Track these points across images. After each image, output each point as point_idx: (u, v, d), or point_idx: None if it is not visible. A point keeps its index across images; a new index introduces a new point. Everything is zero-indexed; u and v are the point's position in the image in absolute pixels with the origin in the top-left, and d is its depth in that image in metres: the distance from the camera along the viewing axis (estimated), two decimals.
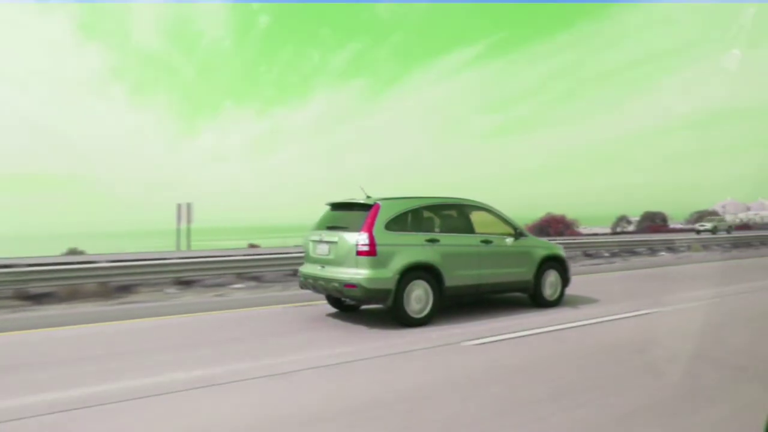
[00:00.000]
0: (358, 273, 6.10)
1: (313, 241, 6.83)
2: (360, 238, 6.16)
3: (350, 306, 7.36)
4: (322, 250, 6.63)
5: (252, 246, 28.02)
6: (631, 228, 50.15)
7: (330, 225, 6.72)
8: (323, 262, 6.59)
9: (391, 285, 6.11)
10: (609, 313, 6.97)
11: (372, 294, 6.09)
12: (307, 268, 6.90)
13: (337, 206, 7.01)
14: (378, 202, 6.46)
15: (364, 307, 7.43)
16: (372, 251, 6.11)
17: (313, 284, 6.69)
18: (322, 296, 7.51)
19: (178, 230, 20.31)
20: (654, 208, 56.34)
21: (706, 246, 22.16)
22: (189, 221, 19.92)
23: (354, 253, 6.18)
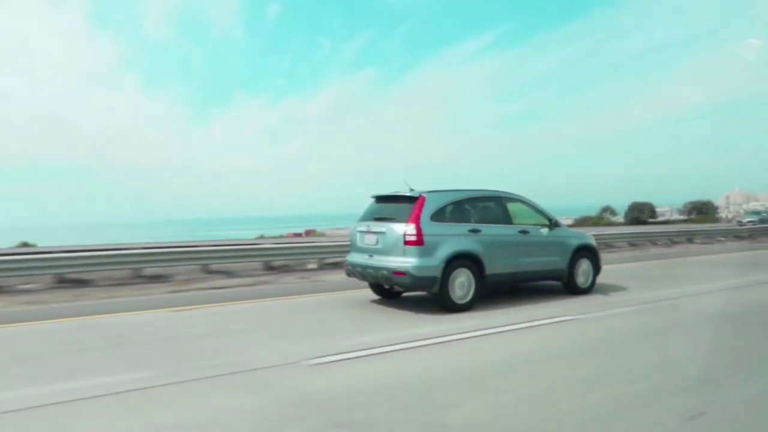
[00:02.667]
0: (407, 261, 6.47)
1: (361, 231, 7.19)
2: (408, 229, 6.52)
3: (392, 293, 7.74)
4: (370, 240, 6.99)
5: (25, 245, 26.94)
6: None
7: (377, 216, 7.08)
8: (371, 252, 6.95)
9: (437, 272, 6.47)
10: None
11: (419, 281, 6.46)
12: (355, 257, 7.26)
13: (382, 199, 7.35)
14: (423, 194, 6.81)
15: (405, 294, 7.81)
16: (419, 241, 6.47)
17: (362, 272, 7.06)
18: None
19: None
20: (664, 198, 55.85)
21: None
22: None
23: (402, 242, 6.54)
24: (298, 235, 46.54)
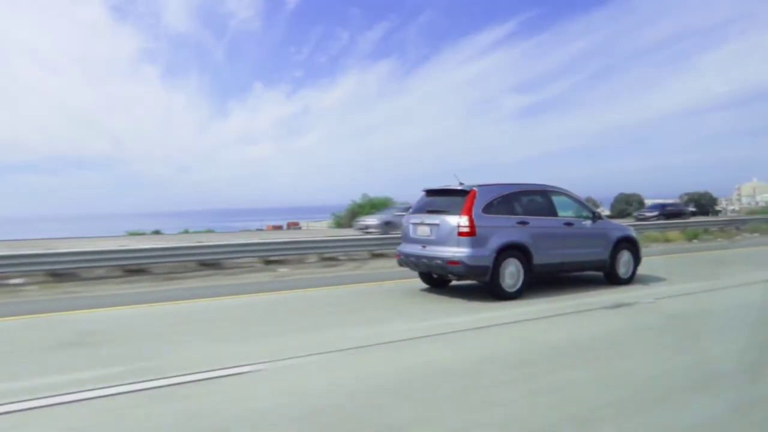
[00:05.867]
0: (460, 251, 6.82)
1: (414, 223, 7.56)
2: (461, 221, 6.87)
3: (441, 282, 8.10)
4: (424, 231, 7.35)
5: None
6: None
7: (430, 209, 7.43)
8: (425, 243, 7.31)
9: (489, 262, 6.82)
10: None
11: (472, 270, 6.81)
12: (407, 248, 7.63)
13: (433, 192, 7.71)
14: (474, 188, 7.14)
15: (452, 283, 8.17)
16: (472, 232, 6.82)
17: (415, 262, 7.43)
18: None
19: None
20: (677, 189, 53.37)
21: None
22: None
23: (456, 233, 6.89)
24: (278, 228, 44.53)
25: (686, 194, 52.89)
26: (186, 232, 32.34)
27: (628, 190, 52.84)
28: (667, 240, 17.76)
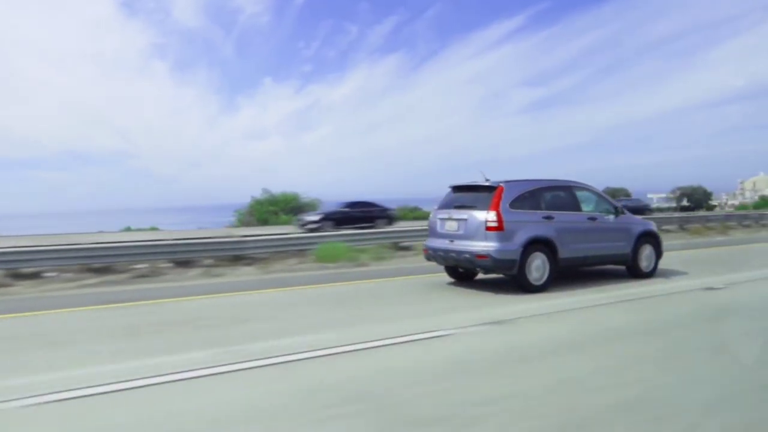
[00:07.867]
0: (488, 245, 7.02)
1: (441, 218, 7.76)
2: (489, 216, 7.06)
3: (466, 276, 8.30)
4: (451, 226, 7.55)
5: None
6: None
7: (457, 204, 7.64)
8: (452, 237, 7.51)
9: (516, 256, 7.01)
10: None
11: (500, 263, 7.01)
12: (435, 243, 7.83)
13: (459, 188, 7.91)
14: (501, 184, 7.34)
15: (477, 277, 8.37)
16: (500, 227, 7.01)
17: (443, 256, 7.63)
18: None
19: None
20: (680, 184, 52.11)
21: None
22: None
23: (483, 228, 7.09)
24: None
25: (679, 188, 51.82)
26: (129, 229, 28.89)
27: (633, 187, 52.16)
28: None
